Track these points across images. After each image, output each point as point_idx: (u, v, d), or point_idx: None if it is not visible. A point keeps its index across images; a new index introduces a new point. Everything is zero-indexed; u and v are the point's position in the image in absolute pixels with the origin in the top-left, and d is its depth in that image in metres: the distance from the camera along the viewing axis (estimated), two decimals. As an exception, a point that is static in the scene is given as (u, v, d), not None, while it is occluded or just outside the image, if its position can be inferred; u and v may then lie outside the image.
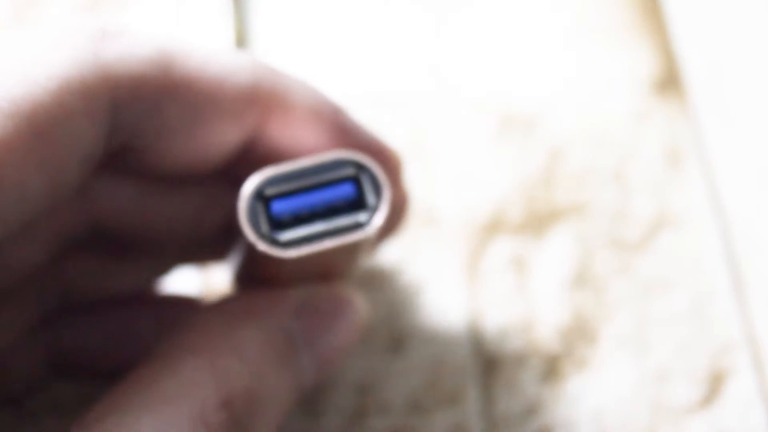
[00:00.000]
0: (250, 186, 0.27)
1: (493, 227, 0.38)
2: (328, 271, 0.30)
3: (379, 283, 0.38)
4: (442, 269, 0.38)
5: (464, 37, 0.42)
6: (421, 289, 0.37)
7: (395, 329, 0.37)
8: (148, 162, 0.29)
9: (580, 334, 0.37)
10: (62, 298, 0.33)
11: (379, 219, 0.27)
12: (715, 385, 0.36)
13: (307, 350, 0.29)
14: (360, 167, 0.28)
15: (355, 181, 0.28)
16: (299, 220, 0.27)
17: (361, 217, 0.27)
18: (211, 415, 0.26)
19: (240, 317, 0.28)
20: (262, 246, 0.27)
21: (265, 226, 0.27)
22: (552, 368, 0.36)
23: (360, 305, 0.31)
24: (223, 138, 0.29)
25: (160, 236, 0.32)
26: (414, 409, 0.35)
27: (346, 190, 0.28)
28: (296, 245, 0.27)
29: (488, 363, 0.36)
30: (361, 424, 0.35)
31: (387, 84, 0.41)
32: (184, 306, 0.35)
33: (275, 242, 0.27)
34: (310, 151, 0.29)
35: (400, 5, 0.43)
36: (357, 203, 0.28)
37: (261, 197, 0.27)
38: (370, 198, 0.27)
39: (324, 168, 0.28)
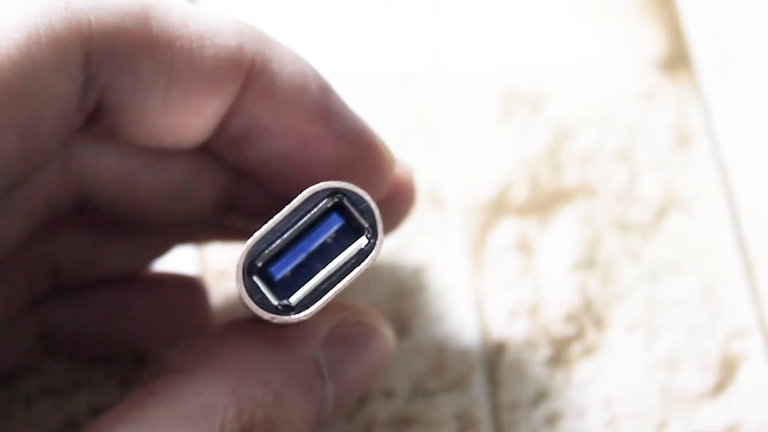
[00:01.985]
0: (240, 267, 0.25)
1: (498, 208, 0.38)
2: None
3: (383, 264, 0.37)
4: (446, 251, 0.37)
5: (469, 15, 0.42)
6: (425, 272, 0.37)
7: (399, 313, 0.36)
8: (125, 126, 0.27)
9: (588, 318, 0.36)
10: (53, 279, 0.32)
11: (380, 237, 0.26)
12: (727, 371, 0.35)
13: (333, 380, 0.28)
14: (338, 192, 0.26)
15: (338, 209, 0.26)
16: (301, 270, 0.26)
17: (361, 242, 0.26)
18: None
19: (269, 342, 0.27)
20: (280, 319, 0.25)
21: (272, 299, 0.26)
22: (560, 353, 0.35)
23: (387, 333, 0.30)
24: (201, 103, 0.27)
25: (150, 213, 0.31)
26: (418, 394, 0.35)
27: (333, 222, 0.26)
28: (311, 302, 0.26)
29: (494, 348, 0.35)
30: (365, 410, 0.34)
31: (390, 62, 0.41)
32: (180, 286, 0.34)
33: (289, 309, 0.26)
34: (289, 131, 0.28)
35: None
36: (350, 229, 0.26)
37: (255, 269, 0.26)
38: (360, 220, 0.26)
39: (303, 209, 0.26)
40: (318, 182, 0.26)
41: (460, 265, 0.37)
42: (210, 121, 0.28)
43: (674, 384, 0.35)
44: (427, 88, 0.40)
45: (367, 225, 0.26)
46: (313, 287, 0.26)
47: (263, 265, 0.26)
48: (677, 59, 0.41)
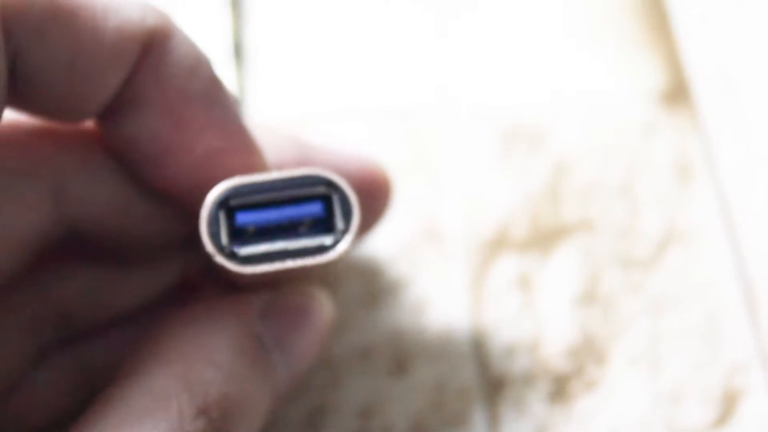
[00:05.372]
0: (214, 195, 0.26)
1: (498, 244, 0.38)
2: (294, 279, 0.30)
3: (382, 301, 0.37)
4: (446, 287, 0.37)
5: (468, 50, 0.42)
6: (424, 308, 0.37)
7: (398, 349, 0.36)
8: (27, 98, 0.27)
9: (589, 353, 0.36)
10: (62, 325, 0.32)
11: (344, 244, 0.26)
12: (728, 405, 0.35)
13: (278, 353, 0.29)
14: (332, 186, 0.27)
15: (324, 200, 0.27)
16: (263, 233, 0.27)
17: (327, 240, 0.27)
18: (189, 425, 0.26)
19: (208, 323, 0.28)
20: (220, 259, 0.26)
21: (225, 238, 0.26)
22: (560, 389, 0.35)
23: (325, 304, 0.31)
24: (103, 74, 0.27)
25: (150, 242, 0.31)
26: (418, 432, 0.35)
27: (314, 209, 0.27)
28: (254, 262, 0.26)
29: (494, 383, 0.35)
30: (364, 448, 0.34)
31: (390, 98, 0.41)
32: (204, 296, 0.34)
33: (233, 256, 0.26)
34: (169, 110, 0.28)
35: (402, 18, 0.42)
36: (325, 223, 0.27)
37: (225, 207, 0.26)
38: (338, 221, 0.27)
39: (294, 183, 0.27)
40: (189, 177, 0.27)
41: (459, 301, 0.37)
42: (109, 92, 0.28)
43: (676, 418, 0.35)
44: (427, 123, 0.40)
45: (341, 228, 0.26)
46: (263, 252, 0.26)
47: (233, 208, 0.26)
48: (678, 92, 0.41)
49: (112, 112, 0.28)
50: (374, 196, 0.33)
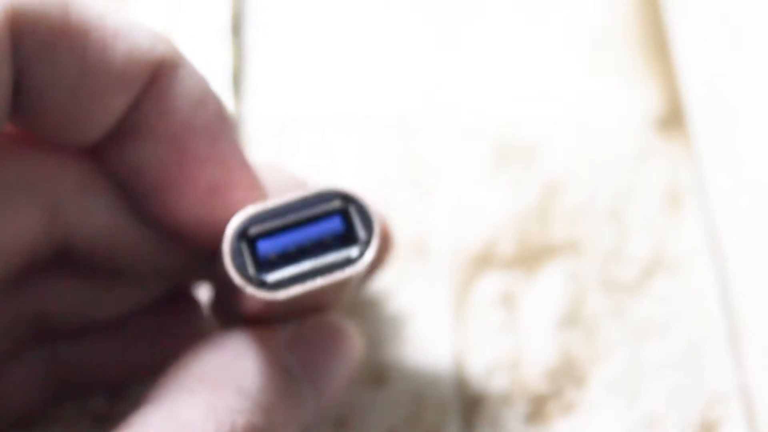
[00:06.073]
0: (233, 226, 0.26)
1: (484, 261, 0.38)
2: (318, 305, 0.29)
3: (364, 312, 0.36)
4: (429, 301, 0.37)
5: (465, 65, 0.42)
6: (406, 321, 0.36)
7: (377, 361, 0.36)
8: (30, 115, 0.27)
9: (568, 375, 0.36)
10: (38, 326, 0.31)
11: (370, 253, 0.26)
12: (705, 437, 0.35)
13: (308, 384, 0.29)
14: (347, 199, 0.27)
15: (342, 214, 0.27)
16: (287, 257, 0.26)
17: (352, 252, 0.26)
18: None
19: (235, 352, 0.27)
20: (251, 289, 0.26)
21: (251, 268, 0.26)
22: (537, 410, 0.35)
23: (354, 335, 0.30)
24: (108, 98, 0.27)
25: (140, 263, 0.31)
26: (392, 445, 0.34)
27: (333, 225, 0.27)
28: (285, 286, 0.26)
29: (471, 401, 0.35)
30: (337, 458, 0.34)
31: (383, 109, 0.41)
32: (185, 310, 0.34)
33: (263, 284, 0.26)
34: (174, 141, 0.28)
35: (402, 30, 0.42)
36: (346, 237, 0.27)
37: (245, 237, 0.26)
38: (359, 231, 0.27)
39: (309, 202, 0.27)
40: (191, 210, 0.27)
41: (442, 316, 0.37)
42: (113, 117, 0.28)
43: (652, 447, 0.35)
44: (419, 136, 0.40)
45: (364, 237, 0.26)
46: (292, 275, 0.26)
47: (254, 237, 0.26)
48: (673, 119, 0.41)
49: (114, 139, 0.28)
50: None
